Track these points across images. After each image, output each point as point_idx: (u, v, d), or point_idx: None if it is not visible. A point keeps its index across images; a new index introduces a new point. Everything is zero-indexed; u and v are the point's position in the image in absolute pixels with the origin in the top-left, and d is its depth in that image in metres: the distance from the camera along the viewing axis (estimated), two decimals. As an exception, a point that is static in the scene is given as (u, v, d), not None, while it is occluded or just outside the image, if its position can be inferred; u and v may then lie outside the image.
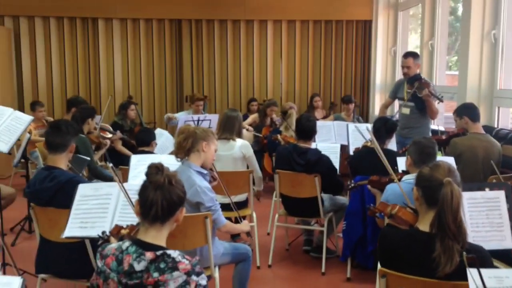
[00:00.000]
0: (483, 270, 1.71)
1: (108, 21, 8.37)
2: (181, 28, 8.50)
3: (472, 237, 2.54)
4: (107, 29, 8.38)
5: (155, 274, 1.76)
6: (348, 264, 3.98)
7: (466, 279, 1.74)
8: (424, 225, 2.01)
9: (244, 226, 3.44)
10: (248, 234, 3.48)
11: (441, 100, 4.99)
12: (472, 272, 1.69)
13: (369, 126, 5.24)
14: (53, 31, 8.23)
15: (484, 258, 1.91)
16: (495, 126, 5.14)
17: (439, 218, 1.89)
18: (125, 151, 5.76)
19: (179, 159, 3.13)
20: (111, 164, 2.79)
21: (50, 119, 6.90)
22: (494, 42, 5.19)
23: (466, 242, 1.90)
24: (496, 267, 2.11)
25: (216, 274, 3.05)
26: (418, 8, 8.74)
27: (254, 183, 4.34)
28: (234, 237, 4.63)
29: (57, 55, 8.28)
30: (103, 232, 2.34)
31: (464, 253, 1.65)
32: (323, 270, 4.06)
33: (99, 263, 1.86)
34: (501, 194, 2.62)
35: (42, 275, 3.03)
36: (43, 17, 8.17)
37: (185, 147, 3.10)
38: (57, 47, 8.26)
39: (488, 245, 2.52)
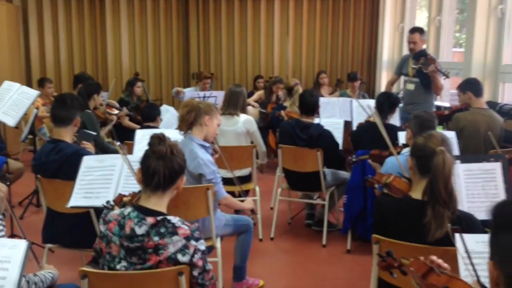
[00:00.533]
0: (471, 236, 1.76)
1: (115, -1, 8.37)
2: (188, 5, 8.48)
3: (468, 208, 2.58)
4: (114, 7, 8.38)
5: (156, 238, 1.84)
6: (348, 237, 4.05)
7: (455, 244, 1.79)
8: (417, 193, 2.06)
9: (246, 203, 3.39)
10: (252, 211, 3.49)
11: (447, 76, 4.98)
12: (459, 238, 1.74)
13: (372, 103, 5.26)
14: (61, 8, 8.24)
15: (474, 225, 1.96)
16: (499, 101, 5.14)
17: (431, 186, 1.94)
18: (132, 125, 5.82)
19: (182, 133, 3.19)
20: (118, 143, 2.86)
21: (58, 95, 6.97)
22: (501, 17, 5.15)
23: (456, 209, 1.96)
24: (485, 231, 2.15)
25: (218, 245, 3.13)
26: (427, -16, 8.63)
27: (258, 157, 4.40)
28: (238, 211, 4.71)
29: (65, 33, 8.30)
30: (108, 202, 2.42)
31: (449, 225, 1.70)
32: (324, 242, 4.14)
33: (102, 228, 1.94)
34: (497, 166, 2.66)
35: (49, 245, 3.13)
36: (50, -5, 8.20)
37: (188, 120, 3.15)
38: (65, 24, 8.29)
39: (483, 216, 2.57)
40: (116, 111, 5.80)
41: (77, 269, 1.97)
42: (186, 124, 3.15)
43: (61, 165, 3.01)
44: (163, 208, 1.97)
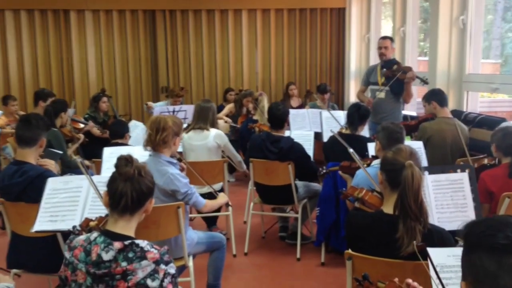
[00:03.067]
0: (442, 249, 1.77)
1: (80, 13, 8.24)
2: (155, 19, 8.43)
3: (437, 218, 2.61)
4: (80, 21, 8.26)
5: (124, 264, 1.78)
6: (322, 249, 4.04)
7: (427, 258, 1.80)
8: (388, 208, 2.06)
9: (222, 199, 3.45)
10: (228, 204, 3.52)
11: (426, 83, 5.02)
12: (432, 252, 1.74)
13: (341, 114, 5.31)
14: (24, 23, 8.08)
15: (444, 239, 1.97)
16: (464, 110, 5.25)
17: (401, 200, 1.94)
18: (103, 134, 5.71)
19: (148, 149, 3.11)
20: (80, 159, 2.78)
21: (22, 113, 6.79)
22: (463, 27, 5.28)
23: (427, 223, 1.96)
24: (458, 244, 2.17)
25: (190, 263, 3.08)
26: (391, -5, 8.82)
27: (231, 171, 4.37)
28: (210, 226, 4.67)
29: (29, 48, 8.13)
30: (74, 227, 2.34)
31: (414, 242, 1.70)
32: (298, 256, 4.12)
33: (67, 255, 1.87)
34: (464, 176, 2.69)
35: (14, 270, 3.02)
36: (13, 10, 8.01)
37: (158, 140, 3.05)
38: (29, 40, 8.12)
39: (452, 226, 2.60)
40: (82, 125, 5.70)
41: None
42: (156, 143, 3.07)
43: (25, 188, 2.91)
44: (131, 232, 1.91)
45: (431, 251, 1.77)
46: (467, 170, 2.74)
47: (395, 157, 2.05)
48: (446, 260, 1.75)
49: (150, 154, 3.10)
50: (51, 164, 3.11)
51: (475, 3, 5.20)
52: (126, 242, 1.81)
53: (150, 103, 6.77)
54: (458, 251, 1.77)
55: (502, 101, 10.47)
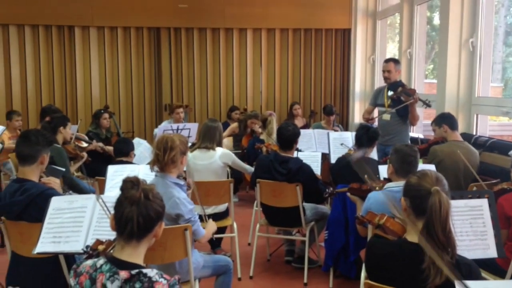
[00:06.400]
0: (471, 283, 1.66)
1: (84, 29, 8.22)
2: (159, 36, 8.40)
3: (456, 246, 2.50)
4: (84, 38, 8.23)
5: (129, 295, 1.66)
6: (330, 274, 3.92)
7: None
8: (412, 236, 1.95)
9: (211, 227, 3.25)
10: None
11: (429, 105, 4.97)
12: (460, 285, 1.64)
13: (348, 135, 5.24)
14: (28, 39, 8.04)
15: (473, 271, 1.86)
16: (474, 133, 5.17)
17: (428, 228, 1.84)
18: (108, 148, 5.61)
19: (155, 170, 3.01)
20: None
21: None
22: (472, 50, 5.24)
23: (455, 253, 1.86)
24: (484, 278, 2.07)
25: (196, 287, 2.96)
26: (395, 17, 8.84)
27: (235, 191, 4.27)
28: (214, 247, 4.55)
29: (32, 64, 8.08)
30: (87, 247, 2.22)
31: None
32: (305, 280, 3.99)
33: (72, 282, 1.76)
34: (484, 202, 2.60)
35: (13, 291, 2.90)
36: (17, 25, 7.98)
37: (166, 160, 2.95)
38: (32, 55, 8.07)
39: (472, 254, 2.50)
40: (85, 144, 5.59)
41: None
42: (165, 163, 2.96)
43: (26, 207, 2.79)
44: (139, 259, 1.79)
45: (459, 284, 1.67)
46: (486, 196, 2.64)
47: (420, 183, 1.94)
48: (477, 294, 1.65)
49: (156, 174, 3.00)
50: (56, 183, 3.00)
51: (484, 25, 5.16)
52: (133, 272, 1.70)
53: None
54: (491, 284, 1.67)
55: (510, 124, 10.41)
